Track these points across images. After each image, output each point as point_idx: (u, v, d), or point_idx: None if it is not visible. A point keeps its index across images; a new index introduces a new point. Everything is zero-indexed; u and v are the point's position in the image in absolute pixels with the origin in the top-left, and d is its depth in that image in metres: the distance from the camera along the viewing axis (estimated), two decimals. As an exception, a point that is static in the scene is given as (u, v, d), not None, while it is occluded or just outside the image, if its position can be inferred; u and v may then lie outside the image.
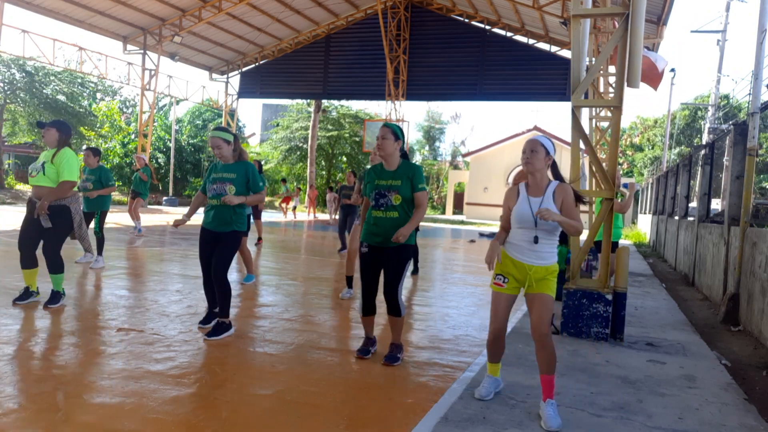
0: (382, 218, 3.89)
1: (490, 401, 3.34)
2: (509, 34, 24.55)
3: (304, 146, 34.33)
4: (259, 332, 4.60)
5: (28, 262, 4.97)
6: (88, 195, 7.23)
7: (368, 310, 4.09)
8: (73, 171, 4.95)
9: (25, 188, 24.90)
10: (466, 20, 25.03)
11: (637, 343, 4.97)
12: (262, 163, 27.55)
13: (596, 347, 4.73)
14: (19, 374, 3.31)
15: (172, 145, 30.97)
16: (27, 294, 5.04)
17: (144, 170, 11.93)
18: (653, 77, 10.94)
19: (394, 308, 3.94)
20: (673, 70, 24.51)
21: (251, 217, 10.99)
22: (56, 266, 4.95)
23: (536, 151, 3.28)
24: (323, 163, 37.18)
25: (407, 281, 7.80)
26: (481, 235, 19.19)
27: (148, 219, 15.89)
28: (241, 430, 2.80)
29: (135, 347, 3.97)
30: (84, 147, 6.72)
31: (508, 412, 3.20)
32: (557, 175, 3.40)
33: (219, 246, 4.38)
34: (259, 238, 11.30)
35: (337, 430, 2.86)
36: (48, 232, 4.91)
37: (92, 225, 7.50)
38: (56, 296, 5.01)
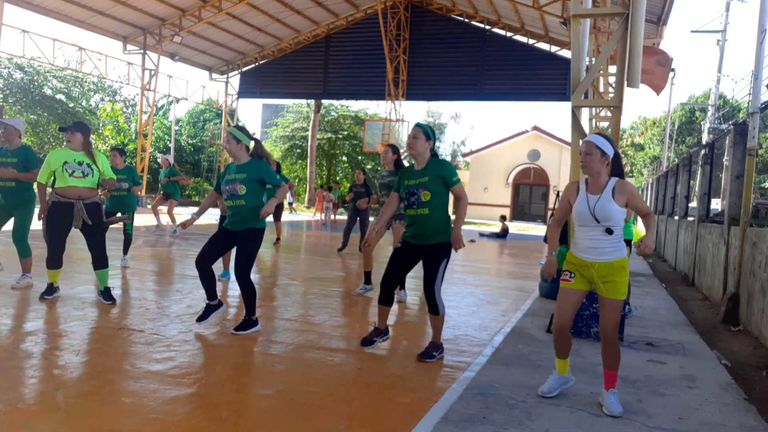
0: (415, 216, 4.00)
1: (490, 401, 3.34)
2: (509, 34, 24.56)
3: (304, 145, 34.33)
4: (259, 332, 4.60)
5: (57, 263, 5.20)
6: (117, 193, 7.23)
7: (384, 299, 4.18)
8: (110, 170, 5.39)
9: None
10: (466, 20, 25.04)
11: (637, 343, 4.97)
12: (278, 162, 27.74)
13: (596, 347, 4.72)
14: (18, 374, 3.31)
15: (171, 145, 30.96)
16: (52, 289, 5.24)
17: (170, 171, 11.93)
18: (658, 83, 10.94)
19: (432, 305, 4.04)
20: (673, 70, 24.48)
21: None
22: (103, 261, 5.26)
23: (590, 153, 3.30)
24: (323, 163, 37.18)
25: (411, 281, 7.78)
26: (482, 235, 19.18)
27: (148, 219, 15.87)
28: (241, 430, 2.80)
29: (135, 347, 3.97)
30: (109, 148, 6.87)
31: (508, 412, 3.20)
32: (618, 170, 3.37)
33: (238, 246, 4.47)
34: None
35: (337, 430, 2.86)
36: (90, 229, 5.17)
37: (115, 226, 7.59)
38: (108, 292, 5.27)
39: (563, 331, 3.40)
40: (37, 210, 5.45)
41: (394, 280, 4.15)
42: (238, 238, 4.46)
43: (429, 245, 3.98)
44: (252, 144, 4.62)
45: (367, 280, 6.61)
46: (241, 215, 4.43)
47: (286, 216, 23.26)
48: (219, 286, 6.38)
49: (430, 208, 3.94)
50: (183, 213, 21.02)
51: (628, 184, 3.29)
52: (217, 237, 4.54)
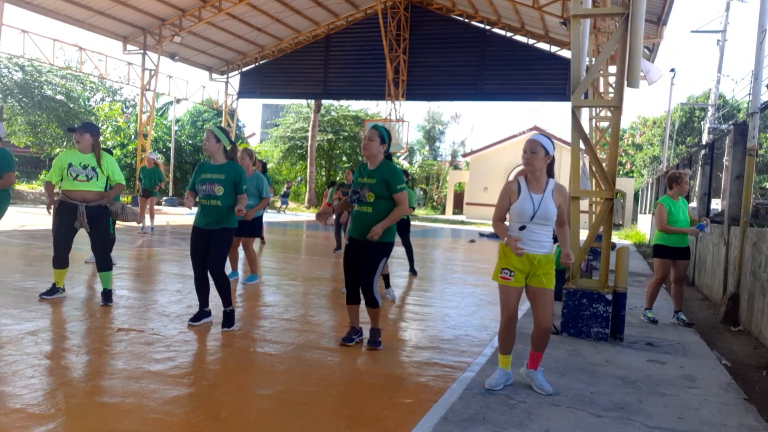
0: (359, 212, 4.16)
1: (490, 401, 3.34)
2: (509, 34, 24.54)
3: (304, 145, 34.34)
4: (259, 332, 4.60)
5: (62, 262, 5.20)
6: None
7: (350, 298, 4.32)
8: (121, 174, 5.37)
9: (28, 188, 24.85)
10: (466, 20, 25.03)
11: (637, 343, 4.97)
12: (266, 162, 27.80)
13: (596, 347, 4.73)
14: (19, 374, 3.31)
15: (171, 145, 30.97)
16: (54, 290, 5.26)
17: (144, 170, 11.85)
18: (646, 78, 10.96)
19: (370, 301, 4.18)
20: (673, 70, 24.49)
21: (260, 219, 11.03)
22: (106, 264, 5.24)
23: (536, 151, 3.49)
24: (323, 162, 37.17)
25: (402, 280, 7.81)
26: (481, 235, 19.19)
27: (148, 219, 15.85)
28: (241, 430, 2.80)
29: (135, 347, 3.97)
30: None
31: (508, 412, 3.20)
32: (551, 172, 3.57)
33: (212, 244, 4.56)
34: (261, 239, 11.37)
35: (337, 430, 2.86)
36: (95, 232, 5.16)
37: None
38: (109, 294, 5.24)
39: (511, 326, 3.56)
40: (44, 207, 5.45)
41: (352, 278, 4.23)
42: (213, 236, 4.55)
43: (373, 243, 4.10)
44: (230, 146, 4.71)
45: None
46: (217, 215, 4.53)
47: (275, 216, 23.28)
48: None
49: (373, 208, 4.09)
50: (182, 213, 21.01)
51: (563, 188, 3.53)
52: (197, 242, 4.61)
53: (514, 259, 3.45)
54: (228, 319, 4.62)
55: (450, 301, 6.54)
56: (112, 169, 5.26)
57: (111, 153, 7.55)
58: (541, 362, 3.66)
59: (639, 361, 4.38)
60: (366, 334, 4.46)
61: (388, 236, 4.14)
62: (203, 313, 4.74)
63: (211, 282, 4.65)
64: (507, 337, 3.59)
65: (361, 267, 4.18)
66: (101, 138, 5.79)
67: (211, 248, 4.55)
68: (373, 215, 4.07)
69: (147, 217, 12.09)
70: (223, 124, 30.35)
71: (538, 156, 3.46)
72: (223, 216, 4.55)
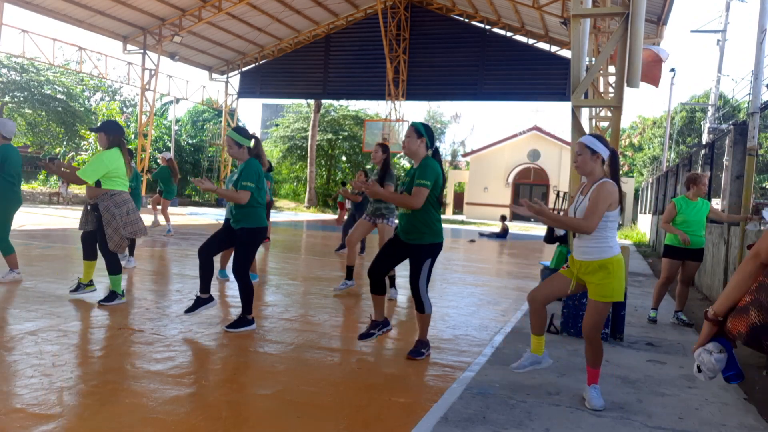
0: (402, 213, 4.09)
1: (490, 401, 3.34)
2: (509, 34, 24.57)
3: (304, 145, 34.35)
4: (259, 332, 4.60)
5: (87, 255, 5.33)
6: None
7: (375, 288, 4.20)
8: (87, 170, 4.95)
9: (27, 188, 24.82)
10: (466, 20, 25.05)
11: (637, 343, 4.97)
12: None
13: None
14: (18, 374, 3.31)
15: (171, 145, 30.97)
16: (78, 287, 5.37)
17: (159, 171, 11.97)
18: (654, 74, 10.92)
19: (417, 304, 4.06)
20: (673, 70, 24.49)
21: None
22: (112, 267, 5.19)
23: (581, 153, 3.36)
24: (323, 162, 37.18)
25: (404, 280, 7.78)
26: (481, 235, 19.19)
27: (148, 219, 15.84)
28: (241, 430, 2.80)
29: (135, 347, 3.97)
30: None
31: (508, 412, 3.20)
32: (614, 171, 3.37)
33: (235, 245, 4.56)
34: (266, 237, 11.35)
35: (337, 430, 2.86)
36: (99, 232, 5.16)
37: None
38: (113, 295, 5.21)
39: (533, 302, 3.49)
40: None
41: (380, 268, 4.15)
42: (235, 236, 4.54)
43: (413, 245, 4.02)
44: (252, 143, 4.63)
45: (349, 275, 6.52)
46: (235, 214, 4.51)
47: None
48: (215, 286, 6.38)
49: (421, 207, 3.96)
50: (183, 213, 21.00)
51: (605, 185, 3.24)
52: (221, 230, 4.69)
53: (572, 258, 3.46)
54: (238, 323, 4.53)
55: (450, 301, 6.54)
56: (88, 163, 5.09)
57: (132, 155, 7.55)
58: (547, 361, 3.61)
59: (639, 361, 4.38)
60: (388, 328, 4.39)
61: (432, 237, 3.99)
62: (200, 300, 4.58)
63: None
64: (532, 316, 3.53)
65: (394, 258, 4.18)
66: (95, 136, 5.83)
67: (235, 249, 4.55)
68: (412, 215, 4.01)
69: (159, 217, 12.21)
70: (223, 124, 30.38)
71: (584, 157, 3.33)
72: (240, 215, 4.47)
